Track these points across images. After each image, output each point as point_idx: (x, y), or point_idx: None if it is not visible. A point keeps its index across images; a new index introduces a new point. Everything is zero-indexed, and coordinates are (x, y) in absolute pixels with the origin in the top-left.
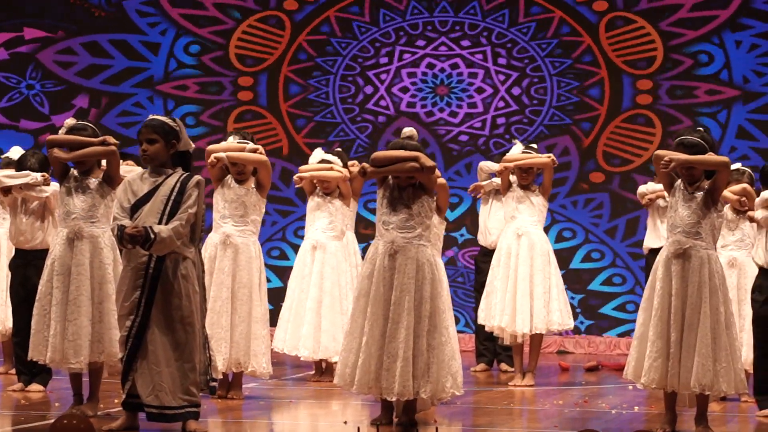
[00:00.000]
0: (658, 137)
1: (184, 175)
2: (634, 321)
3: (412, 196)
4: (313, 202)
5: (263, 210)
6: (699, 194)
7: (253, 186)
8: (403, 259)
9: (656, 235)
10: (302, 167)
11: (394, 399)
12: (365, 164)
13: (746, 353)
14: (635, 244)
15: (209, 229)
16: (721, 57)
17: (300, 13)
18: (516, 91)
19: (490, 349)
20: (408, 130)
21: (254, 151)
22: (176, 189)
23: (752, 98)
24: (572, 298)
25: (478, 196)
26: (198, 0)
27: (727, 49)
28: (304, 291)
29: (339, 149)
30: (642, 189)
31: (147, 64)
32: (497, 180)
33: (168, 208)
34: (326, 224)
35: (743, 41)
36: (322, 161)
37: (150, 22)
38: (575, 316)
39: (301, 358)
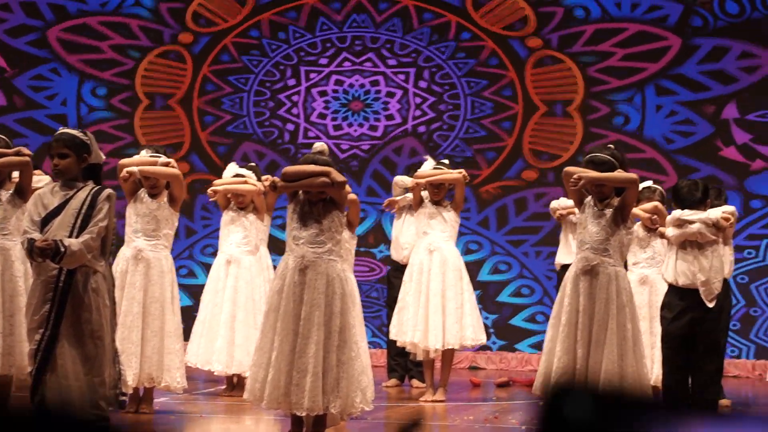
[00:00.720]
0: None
1: (95, 188)
2: (544, 332)
3: (323, 211)
4: (227, 216)
5: (176, 224)
6: (608, 211)
7: (165, 200)
8: (313, 274)
9: (568, 251)
10: (216, 181)
11: (304, 414)
12: (276, 179)
13: (657, 370)
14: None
15: (121, 243)
16: (637, 117)
17: (197, 45)
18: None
19: (402, 364)
20: (319, 145)
21: (167, 164)
22: (87, 202)
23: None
24: (486, 318)
25: (392, 211)
26: (93, 45)
27: (646, 109)
28: (218, 305)
29: (252, 164)
30: (554, 204)
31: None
32: (409, 196)
33: (79, 221)
34: (240, 238)
35: (664, 106)
36: (236, 175)
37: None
38: (488, 333)
39: (215, 373)
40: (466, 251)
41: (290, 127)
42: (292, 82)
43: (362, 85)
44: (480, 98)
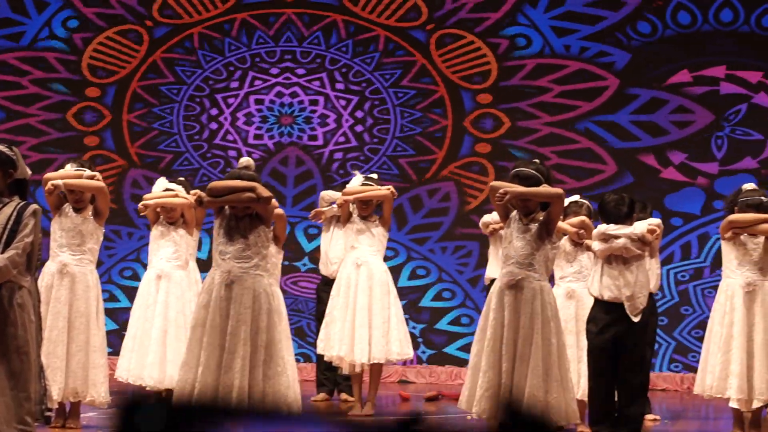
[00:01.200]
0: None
1: (21, 203)
2: (471, 334)
3: (249, 226)
4: (156, 230)
5: (101, 238)
6: (533, 226)
7: (90, 214)
8: (239, 289)
9: (498, 265)
10: (147, 195)
11: None
12: (201, 194)
13: (583, 384)
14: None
15: (47, 258)
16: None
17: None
18: (359, 114)
19: (331, 378)
20: (245, 160)
21: (92, 177)
22: (13, 218)
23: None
24: (414, 327)
25: (320, 221)
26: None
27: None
28: (149, 320)
29: (182, 178)
30: (487, 218)
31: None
32: (335, 207)
33: (4, 236)
34: (170, 253)
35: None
36: (166, 190)
37: None
38: (416, 343)
39: (147, 388)
40: (412, 276)
41: (213, 125)
42: (234, 84)
43: (301, 102)
44: (404, 143)
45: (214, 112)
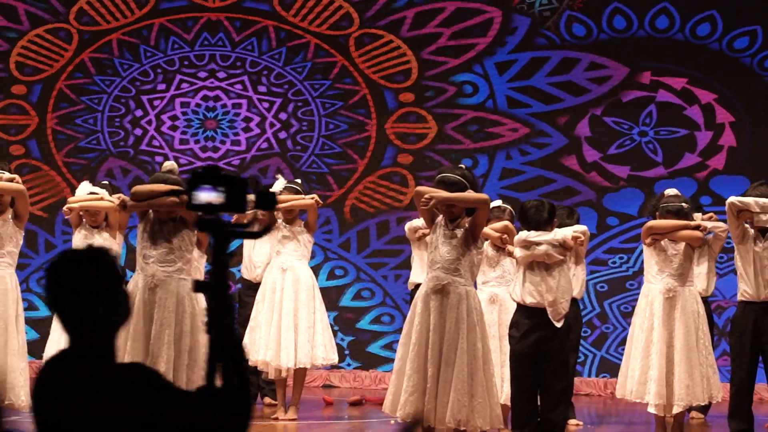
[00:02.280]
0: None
1: None
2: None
3: (173, 230)
4: (80, 234)
5: (20, 242)
6: (459, 231)
7: (10, 217)
8: (163, 293)
9: (423, 270)
10: (71, 198)
11: None
12: (125, 198)
13: (506, 389)
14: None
15: None
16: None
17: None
18: (283, 116)
19: (254, 382)
20: (169, 164)
21: (11, 180)
22: None
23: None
24: (342, 339)
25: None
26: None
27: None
28: None
29: (105, 182)
30: (416, 223)
31: None
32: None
33: None
34: None
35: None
36: (90, 193)
37: None
38: (342, 353)
39: None
40: (330, 276)
41: (138, 132)
42: (161, 86)
43: (224, 105)
44: (330, 141)
45: (139, 113)
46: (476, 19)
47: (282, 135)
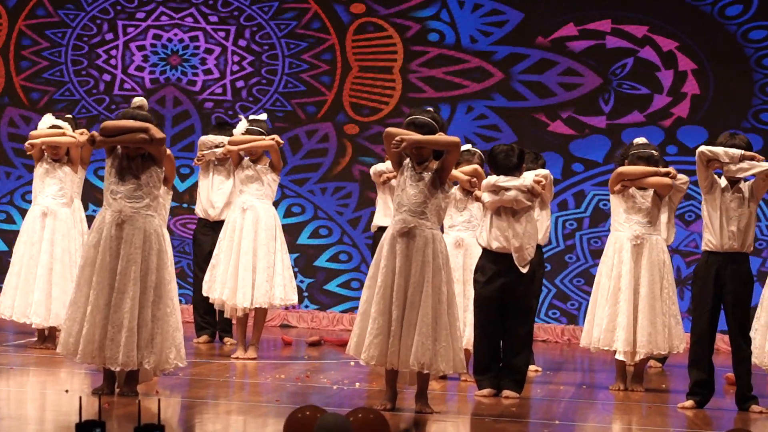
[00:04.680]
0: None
1: None
2: (358, 298)
3: (141, 167)
4: (41, 168)
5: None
6: (427, 174)
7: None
8: (130, 229)
9: (386, 213)
10: (33, 133)
11: (117, 369)
12: (94, 133)
13: (469, 333)
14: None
15: None
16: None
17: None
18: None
19: (211, 321)
20: (138, 100)
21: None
22: None
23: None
24: (301, 281)
25: (197, 164)
26: None
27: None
28: (34, 258)
29: (69, 115)
30: (381, 167)
31: None
32: (219, 150)
33: None
34: (56, 191)
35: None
36: (53, 126)
37: None
38: (300, 294)
39: (33, 326)
40: (287, 214)
41: (107, 77)
42: (109, 36)
43: (181, 40)
44: (299, 60)
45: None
46: None
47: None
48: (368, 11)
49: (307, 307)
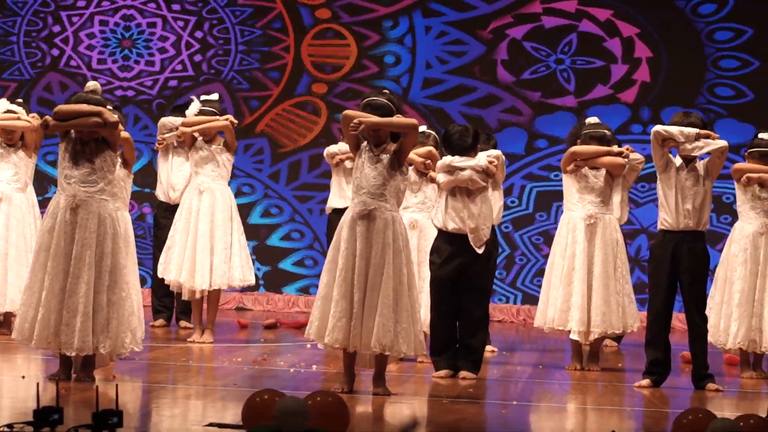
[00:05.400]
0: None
1: None
2: (311, 276)
3: (95, 151)
4: None
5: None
6: (385, 156)
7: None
8: (84, 214)
9: (340, 195)
10: None
11: (73, 354)
12: (48, 117)
13: (424, 314)
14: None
15: None
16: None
17: None
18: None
19: (168, 305)
20: (91, 84)
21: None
22: None
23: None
24: (258, 269)
25: (157, 147)
26: None
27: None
28: None
29: (20, 99)
30: (333, 149)
31: None
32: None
33: None
34: (11, 176)
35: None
36: (7, 111)
37: None
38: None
39: None
40: (237, 193)
41: (54, 52)
42: (56, 29)
43: (138, 25)
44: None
45: (56, 28)
46: None
47: (197, 58)
48: (333, 18)
49: (261, 288)
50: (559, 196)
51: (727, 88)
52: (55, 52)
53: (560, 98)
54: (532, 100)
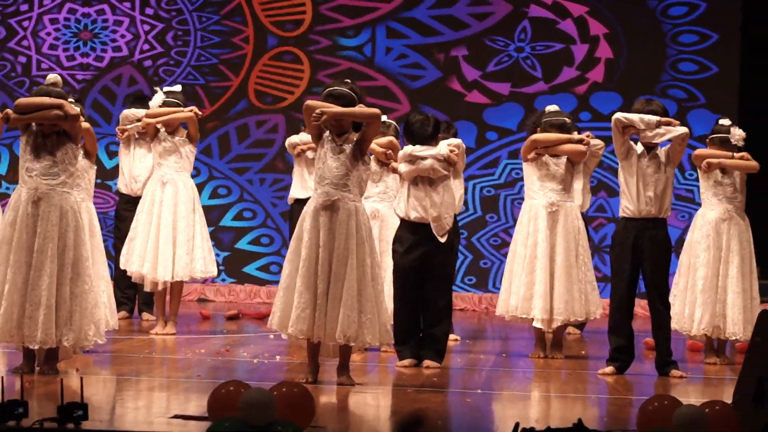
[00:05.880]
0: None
1: None
2: (270, 254)
3: (56, 143)
4: None
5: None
6: (348, 146)
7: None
8: (46, 206)
9: (303, 186)
10: None
11: (36, 347)
12: (9, 110)
13: (387, 304)
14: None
15: None
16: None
17: None
18: (160, 38)
19: (131, 296)
20: (52, 77)
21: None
22: None
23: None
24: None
25: (120, 138)
26: None
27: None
28: None
29: None
30: (294, 139)
31: None
32: (140, 124)
33: None
34: None
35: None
36: None
37: None
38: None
39: None
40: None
41: (22, 59)
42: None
43: (88, 15)
44: (208, 33)
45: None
46: None
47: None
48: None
49: (224, 280)
50: None
51: (690, 63)
52: (22, 59)
53: (531, 86)
54: (503, 93)
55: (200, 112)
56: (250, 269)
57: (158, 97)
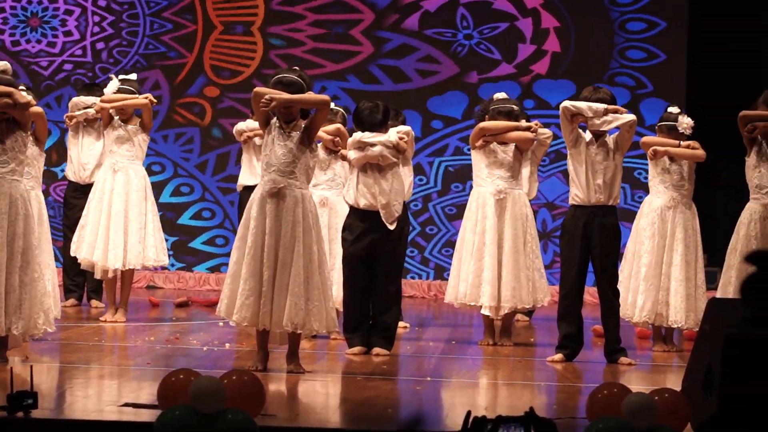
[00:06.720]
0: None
1: None
2: (222, 255)
3: (6, 131)
4: None
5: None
6: (295, 134)
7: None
8: None
9: (251, 173)
10: None
11: None
12: None
13: (336, 292)
14: (225, 179)
15: None
16: None
17: None
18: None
19: (80, 284)
20: (1, 64)
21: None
22: None
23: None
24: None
25: (68, 125)
26: None
27: None
28: None
29: None
30: (241, 126)
31: None
32: (91, 111)
33: None
34: None
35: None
36: None
37: None
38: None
39: None
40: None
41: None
42: None
43: (40, 2)
44: (160, 18)
45: None
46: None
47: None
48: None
49: (173, 265)
50: None
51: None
52: None
53: (496, 69)
54: (472, 82)
55: (155, 100)
56: (196, 243)
57: (113, 84)
